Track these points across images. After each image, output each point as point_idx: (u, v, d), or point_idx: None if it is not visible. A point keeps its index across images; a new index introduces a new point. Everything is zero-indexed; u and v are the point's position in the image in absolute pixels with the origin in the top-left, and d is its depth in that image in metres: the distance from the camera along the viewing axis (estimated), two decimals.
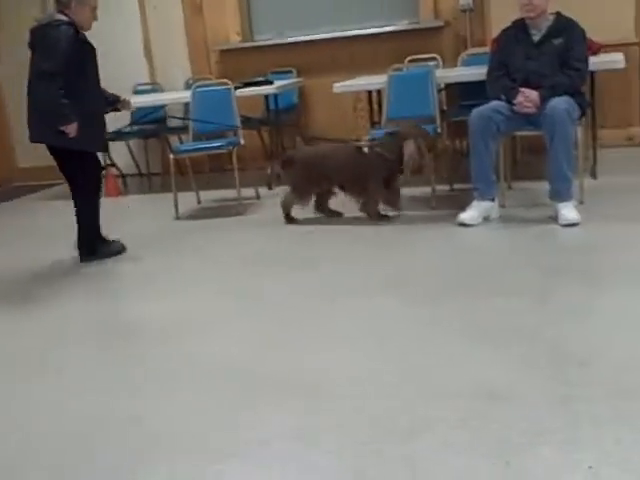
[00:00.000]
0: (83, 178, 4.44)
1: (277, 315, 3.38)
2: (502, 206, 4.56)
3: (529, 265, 3.63)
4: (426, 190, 5.00)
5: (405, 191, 5.40)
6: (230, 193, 5.60)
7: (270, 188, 5.99)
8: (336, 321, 3.24)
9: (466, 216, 4.33)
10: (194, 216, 5.50)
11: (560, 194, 4.18)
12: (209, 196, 5.92)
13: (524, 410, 2.33)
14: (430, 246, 4.15)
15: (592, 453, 2.07)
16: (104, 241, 4.59)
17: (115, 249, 4.60)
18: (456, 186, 5.23)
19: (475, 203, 4.37)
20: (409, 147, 4.46)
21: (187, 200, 5.71)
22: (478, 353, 2.76)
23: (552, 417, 2.27)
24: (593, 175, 5.12)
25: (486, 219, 4.38)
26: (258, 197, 5.72)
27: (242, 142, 5.49)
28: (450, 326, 3.03)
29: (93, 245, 4.52)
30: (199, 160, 6.28)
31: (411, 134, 4.52)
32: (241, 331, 3.24)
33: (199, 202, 5.82)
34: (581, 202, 4.43)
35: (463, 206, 4.45)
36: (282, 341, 3.09)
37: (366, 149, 4.66)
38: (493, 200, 4.41)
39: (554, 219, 4.18)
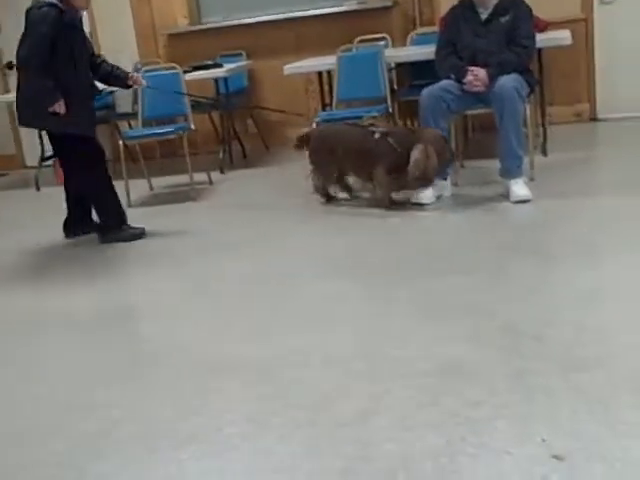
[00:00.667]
0: (77, 161, 4.33)
1: (233, 300, 3.36)
2: (455, 184, 4.58)
3: (482, 242, 3.67)
4: None
5: None
6: (182, 179, 5.53)
7: (223, 172, 5.97)
8: (290, 304, 3.22)
9: (421, 195, 4.34)
10: (147, 203, 5.42)
11: (510, 171, 4.22)
12: (161, 182, 5.84)
13: (480, 385, 2.35)
14: (386, 226, 4.15)
15: (546, 425, 2.10)
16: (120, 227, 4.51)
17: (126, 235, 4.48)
18: None
19: None
20: (416, 152, 4.03)
21: (139, 187, 5.63)
22: (434, 330, 2.78)
23: (507, 391, 2.30)
24: (543, 152, 5.17)
25: (439, 197, 4.40)
26: (211, 182, 5.66)
27: (192, 127, 5.42)
28: (406, 305, 3.05)
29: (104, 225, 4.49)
30: (150, 146, 6.19)
31: (425, 139, 4.09)
32: (197, 317, 3.22)
33: (151, 189, 5.74)
34: (532, 179, 4.48)
35: None
36: (236, 326, 3.07)
37: (378, 135, 4.27)
38: (446, 179, 4.44)
39: (505, 196, 4.22)
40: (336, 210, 4.58)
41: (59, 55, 4.07)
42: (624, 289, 2.95)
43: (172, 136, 5.33)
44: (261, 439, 2.24)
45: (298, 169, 4.99)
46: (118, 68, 4.55)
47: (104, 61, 4.50)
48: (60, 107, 4.10)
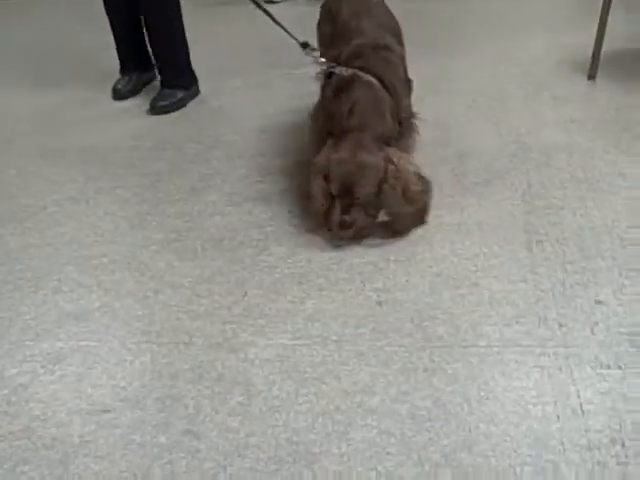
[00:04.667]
0: None
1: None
2: None
3: None
4: None
5: None
6: None
7: None
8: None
9: None
10: None
11: None
12: None
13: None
14: (237, 25, 3.95)
15: None
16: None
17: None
18: None
19: None
20: None
21: None
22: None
23: None
24: None
25: None
26: None
27: None
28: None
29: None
30: None
31: None
32: (17, 111, 3.04)
33: None
34: None
35: None
36: (56, 119, 2.93)
37: None
38: None
39: None
40: None
41: None
42: (462, 80, 2.98)
43: None
44: (86, 216, 2.18)
45: None
46: None
47: None
48: None
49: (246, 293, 1.78)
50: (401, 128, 2.05)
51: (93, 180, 2.38)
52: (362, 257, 1.88)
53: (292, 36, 2.24)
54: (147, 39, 2.96)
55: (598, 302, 1.65)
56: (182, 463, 1.35)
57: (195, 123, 2.77)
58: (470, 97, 2.78)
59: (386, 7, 2.35)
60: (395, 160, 1.87)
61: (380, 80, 1.98)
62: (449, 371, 1.49)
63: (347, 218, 1.89)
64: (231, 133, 2.64)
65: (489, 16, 3.71)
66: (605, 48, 2.79)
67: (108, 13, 3.00)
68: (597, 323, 1.59)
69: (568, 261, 1.79)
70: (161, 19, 2.87)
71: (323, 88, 2.10)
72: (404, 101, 2.09)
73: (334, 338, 1.61)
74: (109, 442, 1.41)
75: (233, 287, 1.81)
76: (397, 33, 2.25)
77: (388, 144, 1.93)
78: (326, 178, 1.90)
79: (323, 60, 2.11)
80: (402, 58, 2.15)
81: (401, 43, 2.26)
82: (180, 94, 2.92)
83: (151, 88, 3.06)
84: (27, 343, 1.69)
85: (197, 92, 3.01)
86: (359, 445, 1.35)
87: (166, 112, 2.87)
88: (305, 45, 2.21)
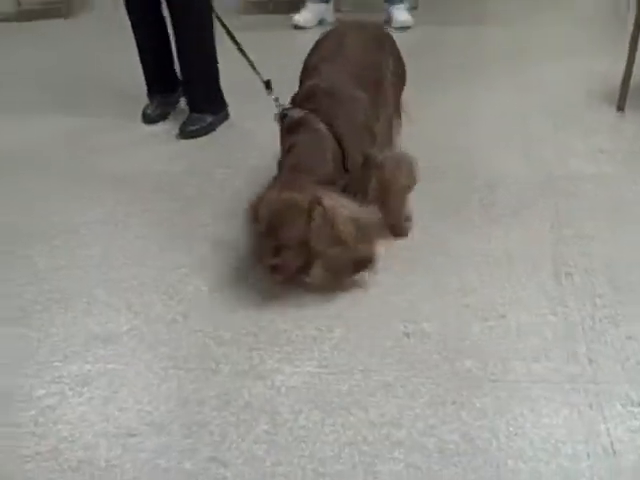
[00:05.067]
0: None
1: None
2: (338, 10, 4.45)
3: None
4: None
5: None
6: None
7: None
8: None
9: (300, 18, 4.19)
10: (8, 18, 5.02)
11: None
12: None
13: None
14: (264, 50, 3.99)
15: None
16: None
17: None
18: None
19: (309, 4, 4.24)
20: None
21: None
22: None
23: None
24: None
25: (321, 22, 4.26)
26: None
27: None
28: None
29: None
30: None
31: None
32: (55, 125, 3.08)
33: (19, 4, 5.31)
34: (415, 7, 4.38)
35: (301, 9, 4.30)
36: (96, 139, 2.96)
37: None
38: (328, 2, 4.29)
39: (388, 22, 4.13)
40: None
41: None
42: (490, 110, 2.98)
43: None
44: (115, 239, 2.21)
45: None
46: None
47: None
48: None
49: (273, 320, 1.79)
50: (353, 174, 1.93)
51: (122, 204, 2.41)
52: (390, 287, 1.88)
53: (257, 73, 2.20)
54: (177, 62, 2.99)
55: (628, 337, 1.63)
56: None
57: (224, 147, 2.79)
58: (497, 126, 2.78)
59: (376, 45, 2.20)
60: (324, 201, 1.76)
61: (328, 124, 1.90)
62: (477, 405, 1.48)
63: (275, 262, 1.79)
64: (260, 158, 2.65)
65: (512, 44, 3.71)
66: (633, 77, 2.78)
67: (136, 36, 3.01)
68: (628, 359, 1.57)
69: (597, 294, 1.78)
70: (192, 41, 2.88)
71: (280, 130, 2.05)
72: (363, 147, 1.95)
73: (360, 368, 1.61)
74: (135, 466, 1.41)
75: (260, 313, 1.82)
76: (377, 77, 2.11)
77: (331, 186, 1.83)
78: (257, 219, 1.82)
79: (280, 102, 2.07)
80: (367, 103, 2.00)
81: (394, 85, 2.18)
82: (209, 118, 2.95)
83: (180, 112, 3.09)
84: (55, 364, 1.70)
85: (226, 116, 3.03)
86: (386, 478, 1.34)
87: (195, 137, 2.90)
88: (267, 85, 2.18)
